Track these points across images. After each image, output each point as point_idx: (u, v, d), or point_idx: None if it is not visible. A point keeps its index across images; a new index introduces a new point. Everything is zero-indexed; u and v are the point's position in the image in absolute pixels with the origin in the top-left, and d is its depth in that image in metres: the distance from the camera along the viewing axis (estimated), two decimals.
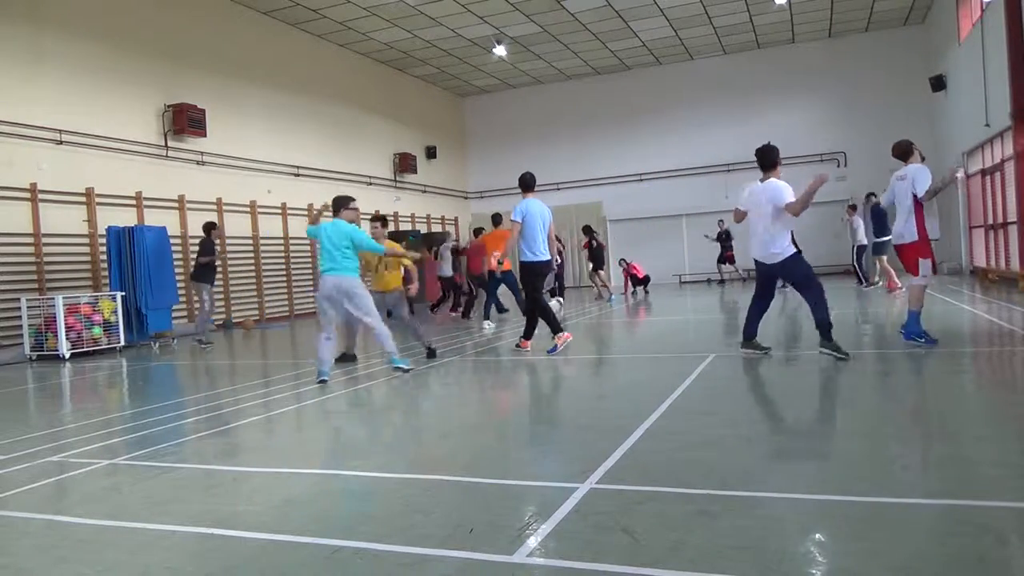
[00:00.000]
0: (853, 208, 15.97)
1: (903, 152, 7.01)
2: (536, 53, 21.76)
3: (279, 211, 17.19)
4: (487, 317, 12.24)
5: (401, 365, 7.16)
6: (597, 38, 20.75)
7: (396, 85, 22.39)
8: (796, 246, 6.79)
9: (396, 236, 15.32)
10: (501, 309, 14.12)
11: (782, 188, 6.56)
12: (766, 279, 6.91)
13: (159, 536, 2.97)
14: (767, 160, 6.68)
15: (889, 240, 11.03)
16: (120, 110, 13.48)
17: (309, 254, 18.02)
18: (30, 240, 11.77)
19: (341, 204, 7.25)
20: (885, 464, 3.36)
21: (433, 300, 16.89)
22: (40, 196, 11.86)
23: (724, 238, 19.87)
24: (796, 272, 6.65)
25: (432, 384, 6.69)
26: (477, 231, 15.66)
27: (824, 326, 6.39)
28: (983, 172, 16.00)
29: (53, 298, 10.53)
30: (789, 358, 6.81)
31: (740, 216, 7.00)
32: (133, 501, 3.48)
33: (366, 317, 7.02)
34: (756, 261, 6.84)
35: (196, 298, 12.30)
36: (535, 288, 8.27)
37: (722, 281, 20.85)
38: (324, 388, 6.57)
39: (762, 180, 6.70)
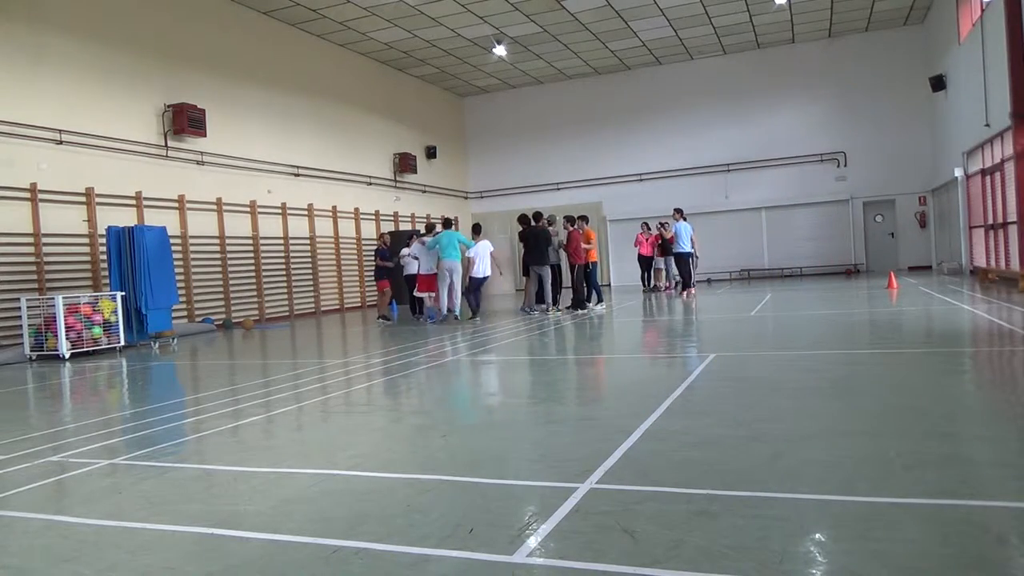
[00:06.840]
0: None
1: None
2: (536, 53, 21.76)
3: (279, 211, 17.19)
4: (592, 300, 13.93)
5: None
6: (597, 38, 20.76)
7: (396, 85, 22.40)
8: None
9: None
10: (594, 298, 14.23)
11: None
12: None
13: (159, 536, 2.97)
14: None
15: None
16: (120, 110, 13.49)
17: (308, 254, 18.03)
18: (30, 240, 11.78)
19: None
20: (885, 464, 3.36)
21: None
22: (40, 196, 11.87)
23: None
24: None
25: (431, 384, 6.70)
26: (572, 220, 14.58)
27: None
28: (983, 172, 16.00)
29: (53, 298, 10.52)
30: (789, 358, 6.81)
31: None
32: (133, 501, 3.48)
33: None
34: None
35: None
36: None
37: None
38: (323, 388, 6.60)
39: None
